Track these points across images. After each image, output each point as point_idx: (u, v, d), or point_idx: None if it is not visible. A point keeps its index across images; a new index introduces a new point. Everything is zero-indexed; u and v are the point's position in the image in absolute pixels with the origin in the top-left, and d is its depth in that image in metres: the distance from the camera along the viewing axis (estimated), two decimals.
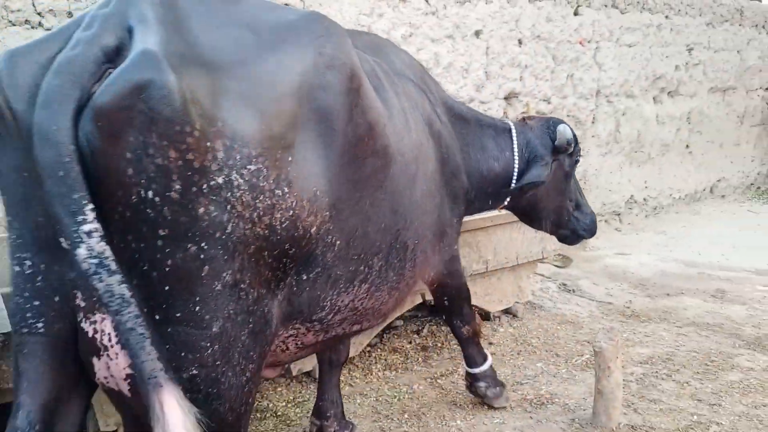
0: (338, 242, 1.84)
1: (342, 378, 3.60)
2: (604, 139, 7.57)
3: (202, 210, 1.40)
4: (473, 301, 3.44)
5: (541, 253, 4.66)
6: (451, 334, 4.36)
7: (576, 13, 7.05)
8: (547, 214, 3.40)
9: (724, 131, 9.30)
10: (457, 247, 3.01)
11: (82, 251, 1.30)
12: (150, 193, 1.36)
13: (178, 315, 1.43)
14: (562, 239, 3.66)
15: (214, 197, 1.41)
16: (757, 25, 9.49)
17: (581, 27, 7.03)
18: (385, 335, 4.33)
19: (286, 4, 4.34)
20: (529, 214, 3.43)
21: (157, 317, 1.43)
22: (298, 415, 3.36)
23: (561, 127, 3.17)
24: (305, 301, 1.83)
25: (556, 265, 6.21)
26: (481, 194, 3.10)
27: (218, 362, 1.49)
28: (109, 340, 1.48)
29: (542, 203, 3.32)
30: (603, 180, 7.67)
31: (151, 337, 1.32)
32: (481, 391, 3.33)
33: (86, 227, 1.30)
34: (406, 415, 3.34)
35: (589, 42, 7.17)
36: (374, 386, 3.67)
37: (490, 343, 4.29)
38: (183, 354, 1.44)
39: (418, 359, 4.05)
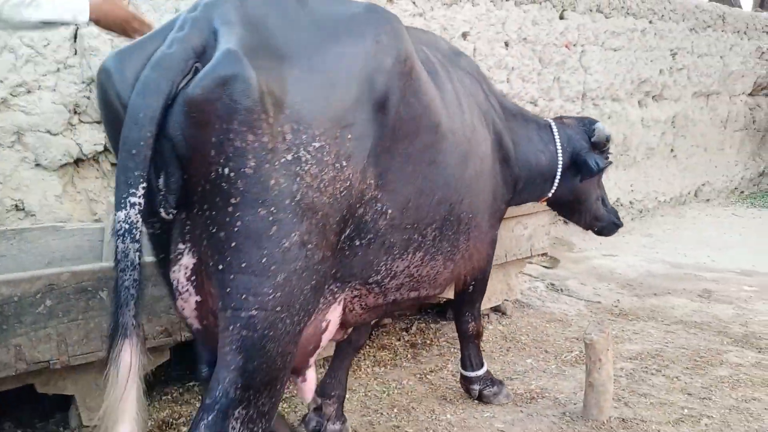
0: (390, 211, 2.03)
1: None
2: None
3: (272, 182, 1.61)
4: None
5: (530, 251, 4.65)
6: (440, 332, 4.39)
7: (561, 17, 7.10)
8: (588, 206, 3.65)
9: (708, 136, 9.40)
10: (496, 236, 3.18)
11: (121, 215, 1.55)
12: (227, 170, 1.58)
13: (243, 265, 1.62)
14: (601, 230, 3.86)
15: (284, 171, 1.62)
16: (738, 31, 9.62)
17: (567, 30, 7.07)
18: (373, 333, 4.29)
19: None
20: (571, 206, 3.65)
21: (221, 267, 1.65)
22: (285, 410, 3.30)
23: (599, 125, 3.40)
24: (358, 264, 2.02)
25: (543, 266, 6.21)
26: (529, 184, 3.29)
27: (278, 308, 1.67)
28: (182, 287, 1.81)
29: (583, 196, 3.57)
30: None
31: (138, 300, 1.59)
32: (475, 393, 3.40)
33: (133, 199, 1.56)
34: (395, 410, 3.30)
35: (575, 45, 7.22)
36: (363, 382, 3.63)
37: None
38: (244, 297, 1.63)
39: (407, 356, 4.01)
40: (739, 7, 13.07)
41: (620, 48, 7.72)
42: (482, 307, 4.51)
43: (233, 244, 1.62)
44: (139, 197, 1.57)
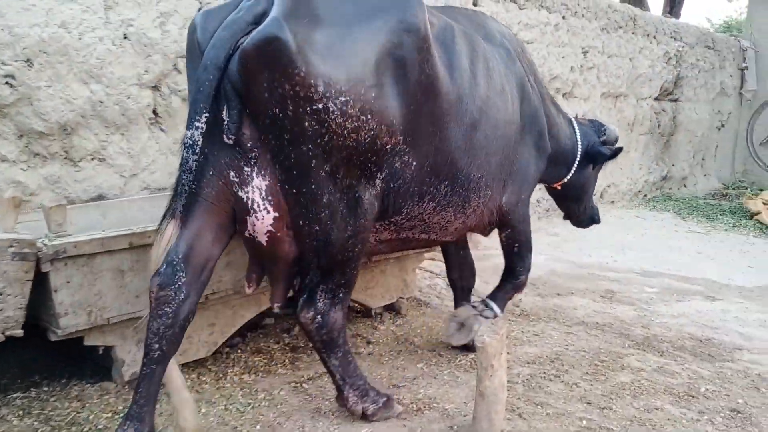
0: (414, 163, 2.45)
1: (189, 383, 3.04)
2: None
3: (306, 124, 2.05)
4: (353, 295, 3.02)
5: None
6: None
7: (475, 4, 6.79)
8: (587, 198, 4.15)
9: None
10: (528, 196, 3.46)
11: (188, 133, 2.09)
12: (276, 110, 2.05)
13: (303, 189, 2.14)
14: (580, 223, 4.42)
15: (316, 116, 2.05)
16: (648, 35, 9.71)
17: None
18: (249, 334, 3.77)
19: None
20: (576, 194, 4.06)
21: (288, 188, 2.18)
22: None
23: (610, 126, 3.89)
24: (391, 204, 2.49)
25: None
26: (554, 162, 3.65)
27: (328, 221, 2.22)
28: (258, 206, 2.26)
29: (586, 186, 4.04)
30: None
31: (187, 192, 2.17)
32: (482, 311, 3.60)
33: (198, 123, 2.07)
34: (258, 426, 2.79)
35: None
36: (226, 392, 3.10)
37: (369, 342, 3.84)
38: (306, 213, 2.17)
39: (284, 361, 3.51)
40: (648, 10, 13.38)
41: (533, 41, 7.52)
42: (375, 306, 4.13)
43: (294, 171, 2.12)
44: (202, 122, 2.07)
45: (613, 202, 9.69)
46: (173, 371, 2.36)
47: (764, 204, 8.94)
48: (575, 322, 4.64)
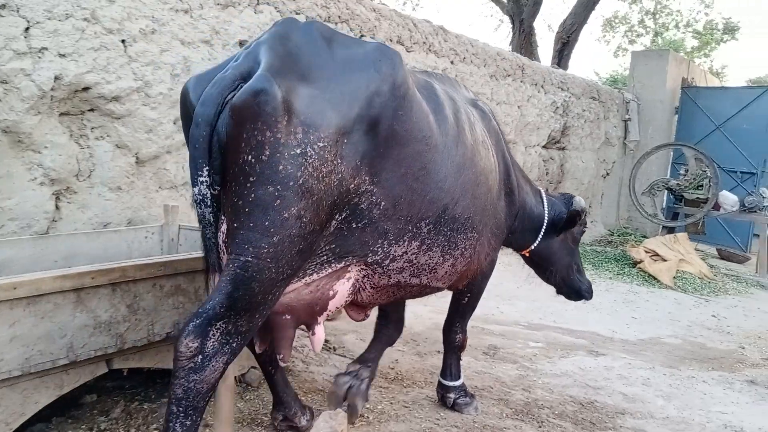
0: (383, 203, 2.47)
1: None
2: None
3: (281, 167, 2.12)
4: None
5: None
6: (155, 415, 3.29)
7: None
8: (559, 268, 4.19)
9: None
10: (496, 257, 3.69)
11: (195, 189, 2.19)
12: (249, 156, 2.11)
13: (252, 224, 2.13)
14: (567, 295, 4.43)
15: (292, 161, 2.13)
16: (536, 84, 9.82)
17: None
18: (55, 419, 3.08)
19: None
20: (545, 263, 4.17)
21: (236, 225, 2.17)
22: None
23: (577, 198, 3.95)
24: (356, 243, 2.49)
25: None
26: (522, 228, 3.83)
27: (268, 260, 2.15)
28: (222, 249, 2.33)
29: (556, 256, 4.11)
30: None
31: (218, 242, 2.30)
32: (450, 401, 3.78)
33: (201, 178, 2.18)
34: None
35: None
36: None
37: (206, 425, 3.23)
38: (246, 246, 2.14)
39: None
40: (538, 61, 13.75)
41: None
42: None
43: (247, 210, 2.13)
44: (205, 176, 2.17)
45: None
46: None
47: (646, 252, 9.09)
48: None
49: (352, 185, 2.33)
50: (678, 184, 9.80)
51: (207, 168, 2.15)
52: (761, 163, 13.20)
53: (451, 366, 3.85)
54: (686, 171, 9.86)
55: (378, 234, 2.51)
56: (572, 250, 4.23)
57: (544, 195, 3.98)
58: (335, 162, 2.23)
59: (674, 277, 8.58)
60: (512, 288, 7.74)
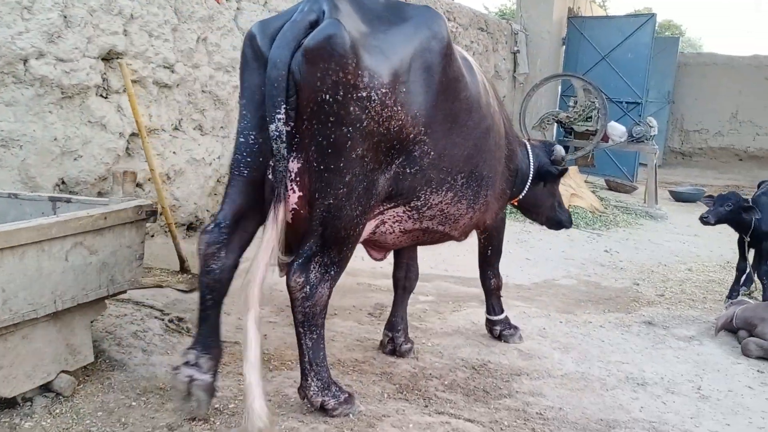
0: (432, 153, 2.75)
1: None
2: None
3: (351, 109, 2.37)
4: None
5: (108, 289, 2.95)
6: None
7: None
8: (545, 209, 4.45)
9: None
10: (504, 213, 4.12)
11: (272, 126, 2.35)
12: (327, 96, 2.34)
13: (331, 166, 2.41)
14: (552, 226, 4.66)
15: (359, 103, 2.37)
16: None
17: None
18: None
19: None
20: (533, 207, 4.42)
21: (316, 166, 2.44)
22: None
23: (556, 147, 4.27)
24: (406, 188, 2.77)
25: (180, 290, 4.56)
26: (515, 182, 4.00)
27: (343, 198, 2.48)
28: (286, 187, 2.53)
29: (540, 201, 4.35)
30: None
31: (288, 178, 2.46)
32: (496, 332, 4.22)
33: (279, 115, 2.33)
34: None
35: (228, 0, 5.67)
36: None
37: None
38: (326, 188, 2.45)
39: None
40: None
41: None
42: (16, 392, 2.71)
43: (329, 150, 2.39)
44: (282, 113, 2.33)
45: None
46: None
47: None
48: (330, 362, 3.63)
49: (412, 134, 2.63)
50: (567, 116, 9.54)
51: (285, 106, 2.33)
52: (645, 92, 13.33)
53: (493, 304, 4.26)
54: (575, 103, 9.60)
55: (425, 181, 2.82)
56: (553, 192, 4.46)
57: (529, 147, 4.16)
58: (395, 108, 2.50)
59: None
60: None
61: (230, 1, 5.70)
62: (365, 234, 2.89)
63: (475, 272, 5.87)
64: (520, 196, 4.19)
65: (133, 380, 3.13)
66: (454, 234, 3.36)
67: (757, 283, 5.43)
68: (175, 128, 5.33)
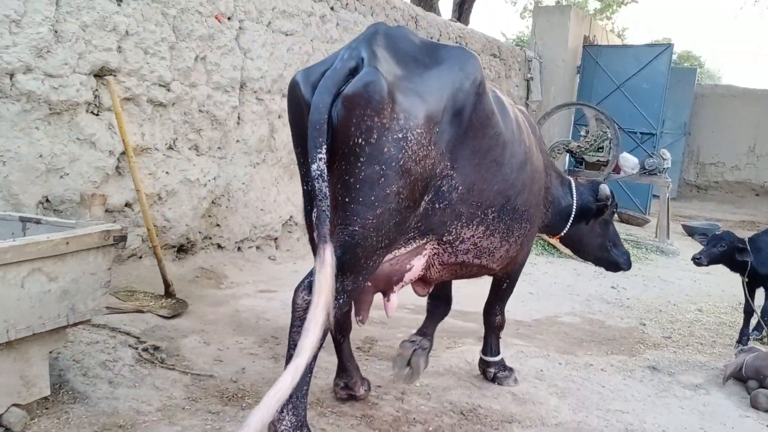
0: (460, 188, 2.84)
1: None
2: (254, 145, 6.03)
3: (386, 149, 2.47)
4: None
5: (68, 318, 2.77)
6: None
7: None
8: (591, 249, 4.47)
9: None
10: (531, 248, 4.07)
11: (314, 166, 2.37)
12: (360, 139, 2.45)
13: (360, 199, 2.49)
14: (607, 267, 4.63)
15: (395, 144, 2.48)
16: (432, 37, 8.99)
17: None
18: None
19: None
20: (577, 246, 4.45)
21: (346, 199, 2.50)
22: None
23: (602, 186, 4.21)
24: (437, 223, 2.85)
25: (161, 315, 4.39)
26: (552, 219, 4.10)
27: (371, 229, 2.52)
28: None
29: (586, 239, 4.37)
30: (253, 196, 6.12)
31: (330, 217, 2.38)
32: (490, 375, 4.03)
33: (319, 155, 2.38)
34: None
35: (229, 19, 5.57)
36: None
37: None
38: (354, 218, 2.50)
39: None
40: (438, 14, 12.96)
41: (293, 33, 6.30)
42: None
43: (357, 186, 2.48)
44: (323, 153, 2.38)
45: None
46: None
47: None
48: (309, 401, 3.43)
49: (439, 169, 2.71)
50: (579, 146, 9.33)
51: (325, 146, 2.40)
52: (660, 123, 13.10)
53: (491, 344, 4.09)
54: (587, 132, 9.40)
55: (454, 216, 2.90)
56: (603, 232, 4.44)
57: (573, 185, 4.21)
58: (429, 147, 2.60)
59: None
60: None
61: (232, 21, 5.60)
62: (418, 271, 3.04)
63: (476, 306, 5.70)
64: (562, 233, 4.26)
65: (92, 415, 2.95)
66: (492, 266, 3.42)
67: None
68: (170, 147, 5.20)
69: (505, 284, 3.98)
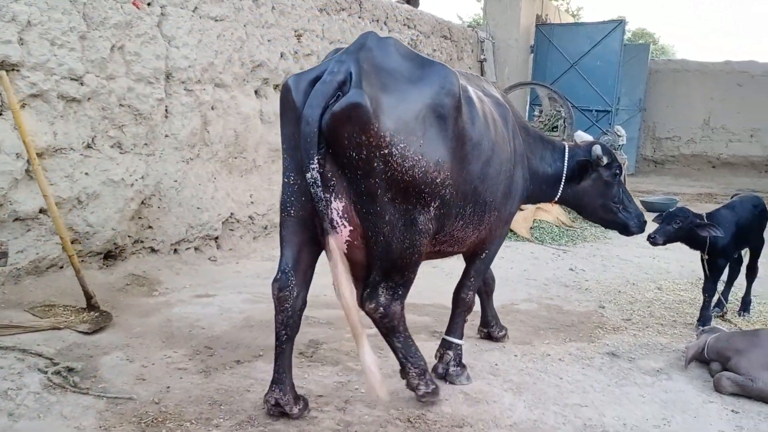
0: (454, 192, 3.14)
1: None
2: (185, 140, 5.63)
3: (375, 164, 2.75)
4: None
5: None
6: None
7: None
8: (592, 209, 4.53)
9: None
10: (508, 227, 4.12)
11: (308, 174, 2.73)
12: (353, 153, 2.74)
13: (371, 209, 2.86)
14: (616, 229, 4.60)
15: (383, 158, 2.75)
16: (378, 20, 8.68)
17: None
18: None
19: None
20: (577, 207, 4.58)
21: (360, 208, 2.87)
22: None
23: (595, 147, 4.33)
24: (441, 225, 3.20)
25: (81, 331, 4.00)
26: (537, 188, 4.27)
27: (389, 234, 2.92)
28: (336, 222, 2.93)
29: (585, 200, 4.45)
30: (188, 194, 5.72)
31: (328, 213, 2.83)
32: (447, 358, 3.90)
33: (312, 165, 2.71)
34: None
35: (148, 4, 5.15)
36: None
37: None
38: (373, 227, 2.89)
39: None
40: None
41: (224, 18, 5.90)
42: None
43: (364, 197, 2.84)
44: (316, 163, 2.72)
45: None
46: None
47: None
48: (239, 420, 3.11)
49: (438, 178, 2.97)
50: (533, 125, 9.11)
51: (317, 157, 2.74)
52: (615, 100, 13.02)
53: (457, 324, 4.02)
54: (540, 112, 9.21)
55: (447, 216, 3.19)
56: (605, 192, 4.39)
57: (567, 149, 4.31)
58: (416, 158, 2.85)
59: (531, 228, 7.93)
60: None
61: (152, 6, 5.18)
62: None
63: (432, 298, 5.44)
64: (556, 198, 4.40)
65: None
66: (461, 251, 3.76)
67: (734, 305, 5.00)
68: (88, 146, 4.79)
69: (479, 261, 3.98)
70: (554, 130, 9.09)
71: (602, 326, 4.97)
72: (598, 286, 6.10)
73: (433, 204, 3.03)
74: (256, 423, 3.12)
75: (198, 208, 5.83)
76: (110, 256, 5.07)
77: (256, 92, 6.49)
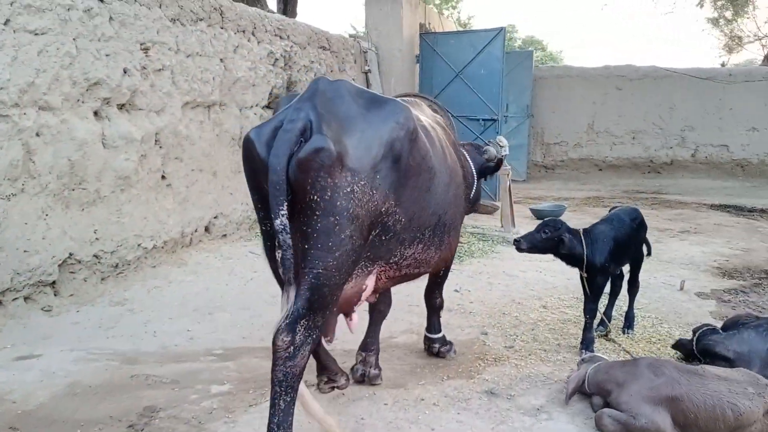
0: (403, 220, 3.23)
1: None
2: (2, 173, 4.79)
3: (338, 203, 2.79)
4: None
5: None
6: None
7: None
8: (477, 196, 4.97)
9: (214, 157, 7.52)
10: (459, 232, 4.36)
11: (277, 222, 2.67)
12: (315, 196, 2.76)
13: (320, 246, 2.80)
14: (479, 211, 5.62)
15: (345, 196, 2.80)
16: (244, 31, 8.04)
17: None
18: None
19: None
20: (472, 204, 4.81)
21: (306, 247, 2.80)
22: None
23: (488, 148, 4.70)
24: (384, 251, 3.25)
25: None
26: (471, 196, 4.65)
27: (334, 270, 2.84)
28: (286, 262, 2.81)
29: (477, 195, 4.87)
30: (11, 236, 4.87)
31: (295, 263, 2.74)
32: (435, 350, 4.63)
33: (282, 211, 2.68)
34: None
35: None
36: None
37: None
38: (317, 262, 2.81)
39: None
40: (265, 7, 11.99)
41: (47, 31, 5.10)
42: None
43: (315, 235, 2.79)
44: (284, 210, 2.69)
45: (225, 235, 7.81)
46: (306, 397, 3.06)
47: None
48: None
49: (383, 208, 3.07)
50: None
51: (286, 203, 2.71)
52: (503, 108, 12.98)
53: (434, 323, 4.64)
54: None
55: (398, 242, 3.32)
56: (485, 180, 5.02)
57: (466, 153, 4.55)
58: (372, 193, 2.94)
59: None
60: (220, 291, 6.04)
61: None
62: (371, 289, 3.36)
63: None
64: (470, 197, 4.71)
65: None
66: (427, 271, 3.90)
67: (617, 323, 4.75)
68: None
69: (442, 271, 4.52)
70: None
71: (483, 357, 4.58)
72: (483, 309, 5.74)
73: (372, 232, 3.11)
74: None
75: (25, 251, 4.98)
76: None
77: (95, 114, 5.70)
